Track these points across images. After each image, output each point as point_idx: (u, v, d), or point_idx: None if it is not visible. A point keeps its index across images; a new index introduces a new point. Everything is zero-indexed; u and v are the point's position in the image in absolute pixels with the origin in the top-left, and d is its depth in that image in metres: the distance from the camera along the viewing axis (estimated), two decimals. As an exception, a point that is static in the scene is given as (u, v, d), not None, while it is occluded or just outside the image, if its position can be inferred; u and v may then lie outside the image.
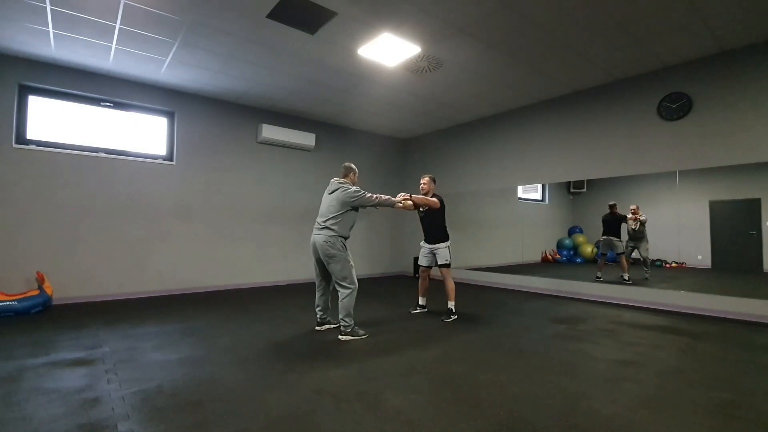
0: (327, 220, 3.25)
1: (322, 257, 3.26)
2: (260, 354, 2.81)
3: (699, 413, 1.92)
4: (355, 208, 3.32)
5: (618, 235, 5.21)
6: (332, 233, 3.21)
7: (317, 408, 1.96)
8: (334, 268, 3.22)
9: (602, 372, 2.47)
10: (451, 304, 3.94)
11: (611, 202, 5.24)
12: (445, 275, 3.99)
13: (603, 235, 5.39)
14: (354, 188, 3.30)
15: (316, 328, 3.51)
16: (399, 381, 2.31)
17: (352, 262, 3.29)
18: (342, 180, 3.40)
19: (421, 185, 4.07)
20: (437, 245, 4.00)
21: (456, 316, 3.92)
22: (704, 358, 2.75)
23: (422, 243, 4.15)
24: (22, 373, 2.40)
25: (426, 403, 2.02)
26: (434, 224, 4.00)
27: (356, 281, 3.29)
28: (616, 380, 2.33)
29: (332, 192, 3.34)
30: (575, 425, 1.80)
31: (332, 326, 3.51)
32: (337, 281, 3.25)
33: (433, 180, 4.09)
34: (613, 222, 5.26)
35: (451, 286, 3.96)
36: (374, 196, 3.33)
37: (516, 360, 2.70)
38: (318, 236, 3.26)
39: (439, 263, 3.99)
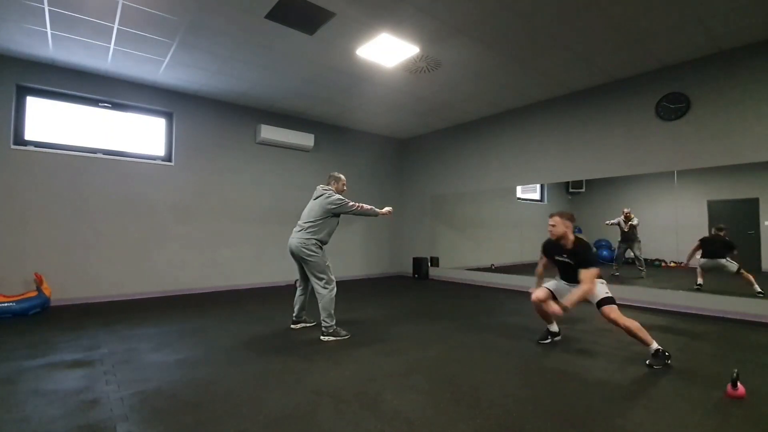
0: (306, 222, 3.34)
1: (298, 259, 3.34)
2: (259, 355, 2.81)
3: (698, 413, 1.93)
4: (337, 215, 3.39)
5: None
6: (308, 235, 3.28)
7: (316, 408, 1.96)
8: (310, 269, 3.29)
9: (601, 372, 2.47)
10: (654, 345, 2.60)
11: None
12: (609, 314, 2.65)
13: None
14: (337, 196, 3.37)
15: (291, 326, 3.55)
16: (398, 381, 2.31)
17: (328, 263, 3.35)
18: (327, 187, 3.47)
19: (550, 228, 2.93)
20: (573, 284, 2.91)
21: (669, 359, 2.60)
22: (703, 358, 2.75)
23: (556, 277, 3.13)
24: (20, 374, 2.39)
25: (425, 404, 2.02)
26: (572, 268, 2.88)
27: (334, 281, 3.33)
28: (616, 380, 2.34)
29: (316, 198, 3.42)
30: (574, 425, 1.80)
31: (308, 325, 3.57)
32: (315, 282, 3.29)
33: (572, 218, 2.92)
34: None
35: (632, 324, 2.61)
36: (356, 205, 3.40)
37: (515, 360, 2.71)
38: (293, 239, 3.33)
39: (596, 300, 2.73)
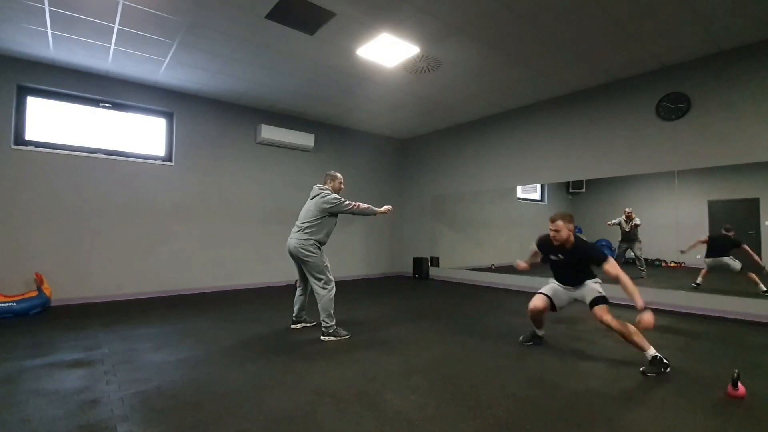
0: (303, 223, 3.33)
1: (296, 259, 3.34)
2: (259, 355, 2.81)
3: (698, 413, 1.93)
4: (334, 215, 3.38)
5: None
6: (306, 236, 3.28)
7: (317, 408, 1.96)
8: (309, 269, 3.29)
9: (601, 372, 2.47)
10: (651, 351, 2.47)
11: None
12: (602, 315, 2.60)
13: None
14: (332, 196, 3.35)
15: (292, 326, 3.56)
16: (398, 381, 2.31)
17: (327, 263, 3.34)
18: (323, 186, 3.45)
19: (553, 234, 2.77)
20: (583, 284, 2.83)
21: (668, 367, 2.46)
22: (703, 358, 2.75)
23: (551, 280, 3.05)
24: (21, 374, 2.39)
25: (425, 404, 2.02)
26: (578, 270, 2.84)
27: (333, 281, 3.33)
28: (616, 380, 2.34)
29: (313, 198, 3.41)
30: (575, 425, 1.80)
31: (308, 325, 3.58)
32: (314, 282, 3.29)
33: (572, 219, 2.77)
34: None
35: (626, 329, 2.52)
36: (353, 204, 3.37)
37: (515, 360, 2.71)
38: (291, 239, 3.33)
39: (588, 300, 2.72)
